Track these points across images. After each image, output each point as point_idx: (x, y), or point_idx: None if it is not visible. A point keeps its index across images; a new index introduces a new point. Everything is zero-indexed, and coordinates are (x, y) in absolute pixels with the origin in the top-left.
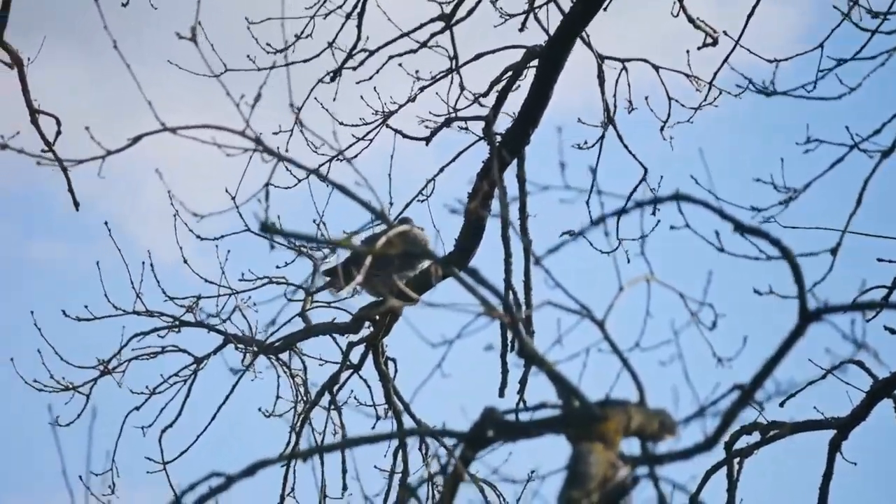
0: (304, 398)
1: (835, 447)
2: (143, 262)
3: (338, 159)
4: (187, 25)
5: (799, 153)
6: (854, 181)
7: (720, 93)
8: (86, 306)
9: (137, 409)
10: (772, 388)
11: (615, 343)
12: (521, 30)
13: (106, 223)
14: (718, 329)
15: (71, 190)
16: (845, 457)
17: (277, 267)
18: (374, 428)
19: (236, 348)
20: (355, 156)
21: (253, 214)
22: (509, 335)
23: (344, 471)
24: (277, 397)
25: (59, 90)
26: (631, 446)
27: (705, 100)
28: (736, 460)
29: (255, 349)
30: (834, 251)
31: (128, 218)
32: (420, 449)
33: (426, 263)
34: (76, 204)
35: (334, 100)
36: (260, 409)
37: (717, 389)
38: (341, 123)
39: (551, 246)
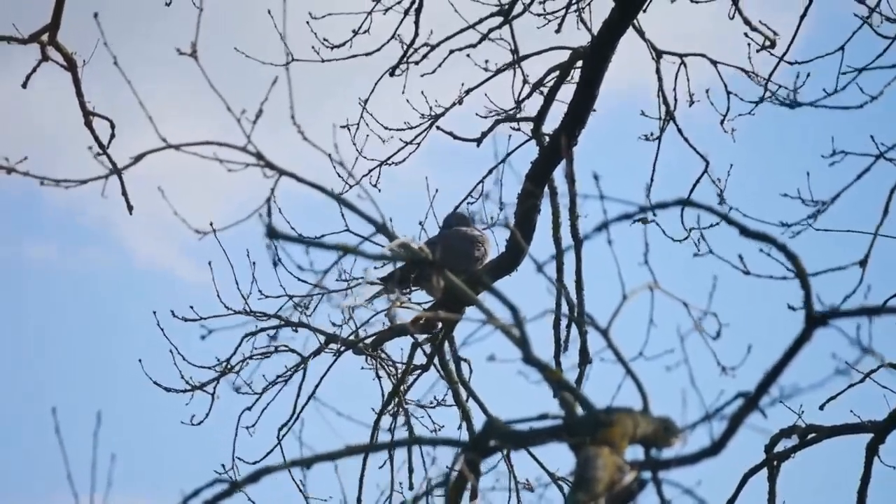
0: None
1: (872, 451)
2: (254, 262)
3: (387, 164)
4: (179, 36)
5: (823, 164)
6: (882, 191)
7: (778, 87)
8: (191, 307)
9: (249, 409)
10: (798, 387)
11: (619, 351)
12: (557, 31)
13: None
14: (723, 336)
15: (125, 193)
16: (883, 461)
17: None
18: (459, 428)
19: (325, 348)
20: (402, 160)
21: (260, 222)
22: (562, 335)
23: (411, 470)
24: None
25: (50, 100)
26: (636, 454)
27: (764, 94)
28: (774, 463)
29: (343, 348)
30: (863, 263)
31: (118, 223)
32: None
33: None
34: (130, 208)
35: (403, 92)
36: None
37: (721, 396)
38: (386, 128)
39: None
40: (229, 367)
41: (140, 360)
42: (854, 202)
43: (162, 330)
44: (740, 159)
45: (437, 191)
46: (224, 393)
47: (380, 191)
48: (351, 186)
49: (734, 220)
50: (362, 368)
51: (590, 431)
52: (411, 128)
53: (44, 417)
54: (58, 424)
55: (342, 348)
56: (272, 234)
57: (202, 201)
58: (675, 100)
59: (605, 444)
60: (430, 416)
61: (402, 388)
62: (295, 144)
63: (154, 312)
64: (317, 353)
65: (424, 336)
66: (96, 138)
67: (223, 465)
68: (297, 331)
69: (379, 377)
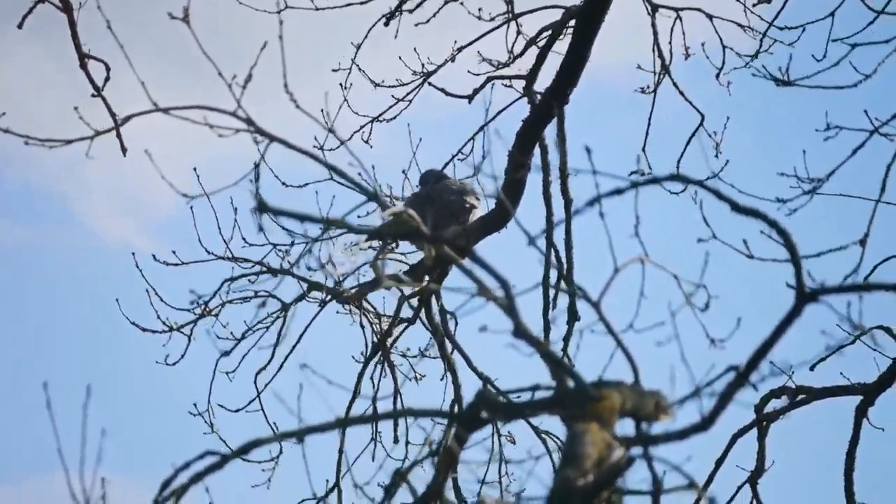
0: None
1: (861, 413)
2: (235, 209)
3: (379, 120)
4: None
5: (818, 140)
6: (877, 167)
7: (774, 41)
8: (174, 252)
9: (227, 353)
10: (788, 363)
11: (610, 324)
12: None
13: None
14: (714, 310)
15: (119, 136)
16: (872, 422)
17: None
18: (441, 379)
19: (306, 296)
20: (394, 117)
21: (248, 194)
22: (551, 294)
23: (396, 440)
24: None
25: (30, 72)
26: (626, 428)
27: (759, 48)
28: (764, 423)
29: (328, 297)
30: (863, 242)
31: (73, 195)
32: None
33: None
34: (124, 150)
35: (396, 36)
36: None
37: (712, 370)
38: (377, 85)
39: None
40: (207, 309)
41: (117, 300)
42: (850, 178)
43: (140, 271)
44: (734, 119)
45: (420, 139)
46: (203, 338)
47: (371, 147)
48: (339, 144)
49: (725, 195)
50: (337, 313)
51: (579, 405)
52: (403, 84)
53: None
54: (49, 399)
55: (327, 297)
56: (262, 207)
57: (182, 164)
58: (671, 54)
59: (595, 419)
60: (412, 367)
61: (387, 340)
62: (285, 108)
63: (133, 254)
64: (299, 299)
65: (411, 289)
66: (91, 80)
67: (195, 405)
68: (276, 276)
69: (362, 326)
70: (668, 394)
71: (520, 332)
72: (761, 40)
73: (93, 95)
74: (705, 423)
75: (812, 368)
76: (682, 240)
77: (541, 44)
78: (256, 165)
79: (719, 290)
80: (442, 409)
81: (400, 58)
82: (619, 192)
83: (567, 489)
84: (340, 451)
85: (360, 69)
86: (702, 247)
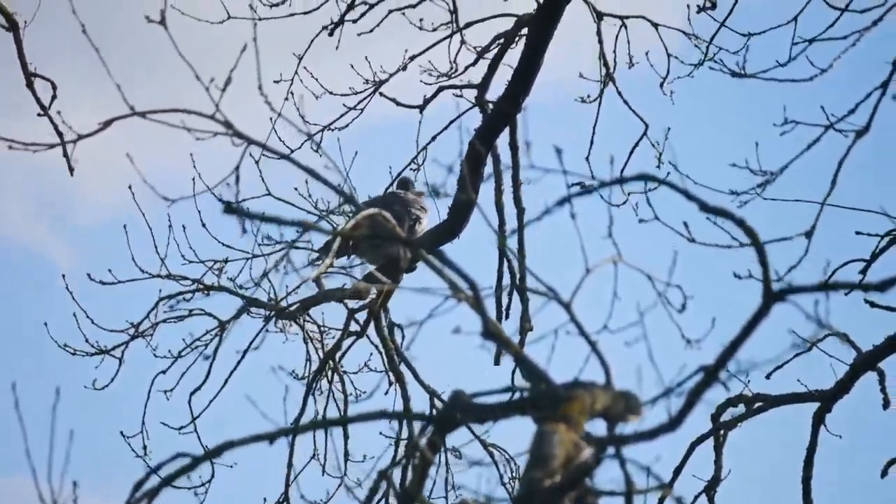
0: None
1: (819, 420)
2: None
3: (329, 129)
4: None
5: (773, 134)
6: (831, 162)
7: (719, 50)
8: (110, 270)
9: (164, 372)
10: (754, 362)
11: (582, 325)
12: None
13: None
14: (688, 310)
15: (66, 156)
16: (829, 429)
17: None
18: (386, 394)
19: (249, 313)
20: (346, 125)
21: (222, 196)
22: (503, 302)
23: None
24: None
25: None
26: (598, 428)
27: (704, 57)
28: (721, 432)
29: (270, 313)
30: (808, 234)
31: None
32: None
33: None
34: (71, 170)
35: (337, 48)
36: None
37: (683, 370)
38: (331, 93)
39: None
40: (138, 332)
41: (46, 324)
42: (803, 173)
43: (71, 294)
44: (683, 124)
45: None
46: (141, 357)
47: (321, 156)
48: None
49: (694, 195)
50: (269, 331)
51: (550, 407)
52: (356, 93)
53: None
54: (17, 399)
55: (270, 314)
56: (229, 209)
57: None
58: (615, 62)
59: (564, 420)
60: (352, 384)
61: (335, 354)
62: (241, 109)
63: (63, 276)
64: (237, 316)
65: (359, 303)
66: (38, 100)
67: (121, 432)
68: (208, 294)
69: (305, 342)
70: (640, 394)
71: (489, 332)
72: (707, 49)
73: (39, 115)
74: (673, 423)
75: (769, 377)
76: (648, 242)
77: (492, 53)
78: (236, 169)
79: (690, 290)
80: (417, 413)
81: (352, 66)
82: (588, 191)
83: (533, 490)
84: (289, 465)
85: (302, 81)
86: (673, 248)
